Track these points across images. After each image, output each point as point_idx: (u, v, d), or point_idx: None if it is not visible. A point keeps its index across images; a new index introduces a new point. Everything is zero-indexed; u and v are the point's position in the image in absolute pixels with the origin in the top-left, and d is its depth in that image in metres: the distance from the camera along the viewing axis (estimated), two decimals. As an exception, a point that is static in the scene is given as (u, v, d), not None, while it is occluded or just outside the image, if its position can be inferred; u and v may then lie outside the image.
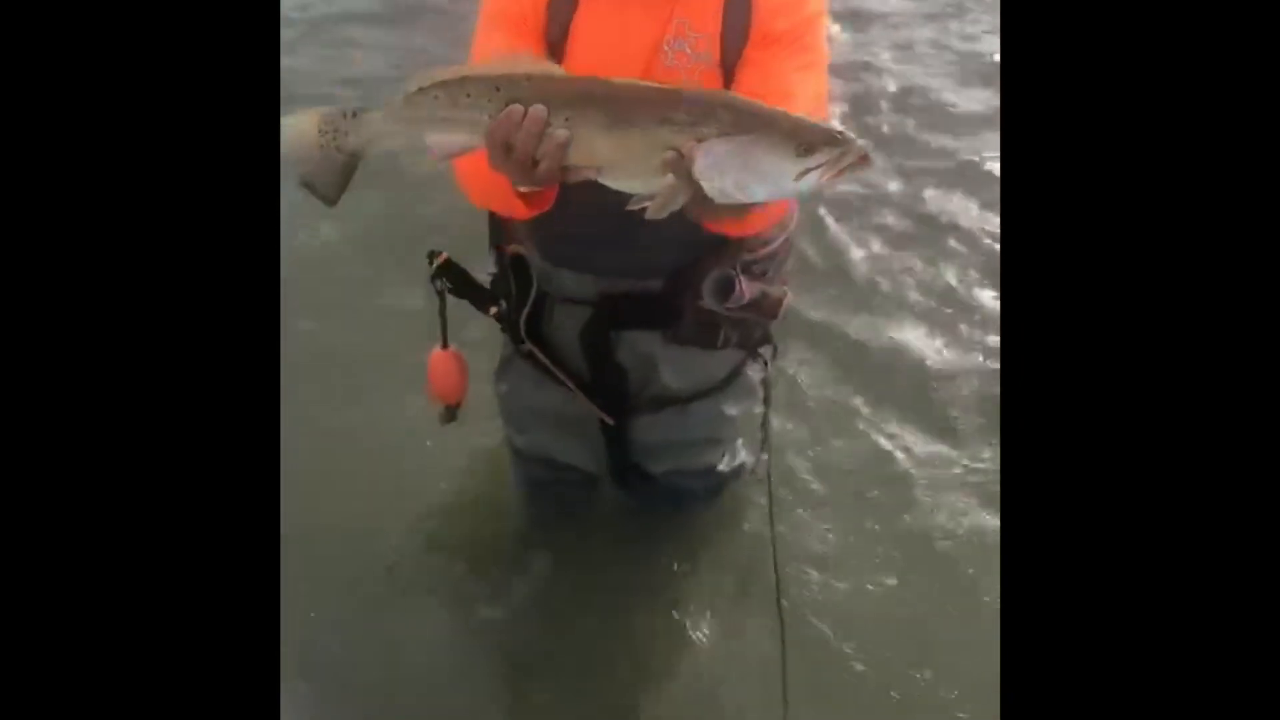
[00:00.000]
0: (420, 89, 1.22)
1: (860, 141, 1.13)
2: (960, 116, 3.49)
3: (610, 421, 1.68)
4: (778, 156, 1.13)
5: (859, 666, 1.76)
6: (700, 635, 1.81)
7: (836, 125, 1.18)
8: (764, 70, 1.29)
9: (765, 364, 1.73)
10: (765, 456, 1.89)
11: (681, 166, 1.14)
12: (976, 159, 3.24)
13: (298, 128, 1.28)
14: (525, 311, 1.60)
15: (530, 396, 1.73)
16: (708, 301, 1.49)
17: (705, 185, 1.15)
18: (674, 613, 1.84)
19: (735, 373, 1.70)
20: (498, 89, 1.19)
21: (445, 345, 1.70)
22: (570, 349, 1.62)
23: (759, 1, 1.30)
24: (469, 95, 1.21)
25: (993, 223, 2.89)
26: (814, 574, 1.91)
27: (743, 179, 1.15)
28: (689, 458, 1.79)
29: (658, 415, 1.69)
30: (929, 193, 3.07)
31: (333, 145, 1.28)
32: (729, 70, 1.30)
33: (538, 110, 1.15)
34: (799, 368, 2.37)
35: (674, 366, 1.63)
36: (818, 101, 1.32)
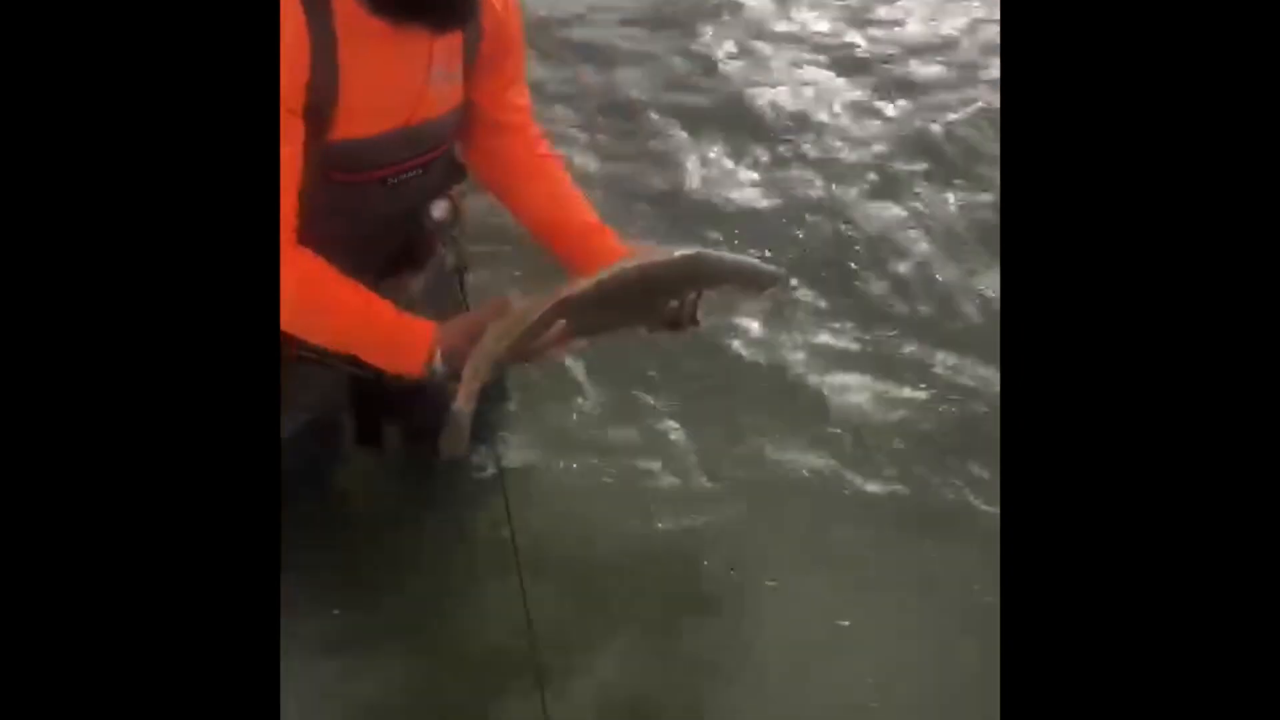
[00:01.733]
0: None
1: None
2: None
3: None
4: (749, 298, 1.64)
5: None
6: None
7: (769, 266, 1.69)
8: (497, 76, 1.63)
9: None
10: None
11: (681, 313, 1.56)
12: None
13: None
14: None
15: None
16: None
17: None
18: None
19: None
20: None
21: None
22: None
23: (485, 32, 1.56)
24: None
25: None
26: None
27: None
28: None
29: None
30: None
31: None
32: (469, 80, 1.60)
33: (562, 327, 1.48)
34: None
35: None
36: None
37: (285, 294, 1.18)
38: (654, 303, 1.55)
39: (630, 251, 1.60)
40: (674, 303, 1.54)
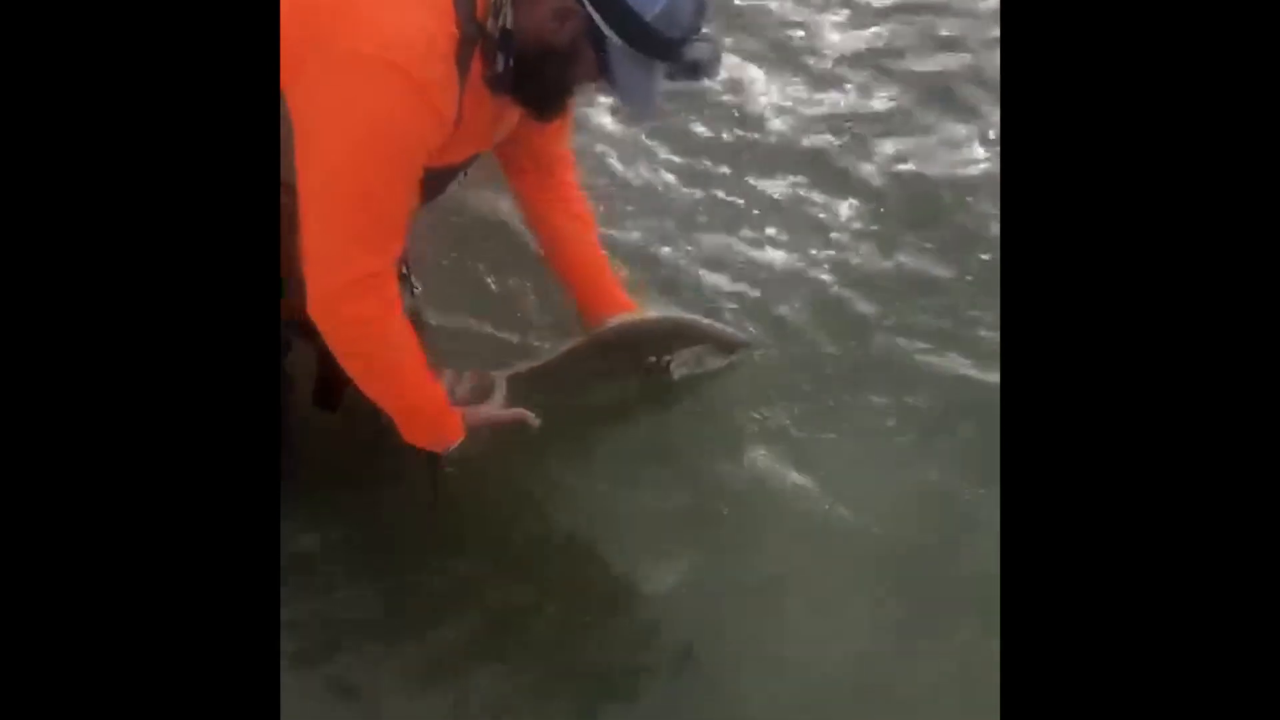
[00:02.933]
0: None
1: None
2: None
3: None
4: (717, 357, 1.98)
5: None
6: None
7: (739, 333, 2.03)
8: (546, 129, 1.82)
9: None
10: None
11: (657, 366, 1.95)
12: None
13: None
14: None
15: None
16: None
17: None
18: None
19: None
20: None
21: None
22: None
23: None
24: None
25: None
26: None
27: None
28: None
29: None
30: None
31: None
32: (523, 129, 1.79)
33: None
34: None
35: None
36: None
37: (365, 344, 1.57)
38: (638, 356, 1.93)
39: (628, 306, 1.90)
40: (653, 358, 1.94)
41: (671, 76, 1.58)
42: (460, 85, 1.52)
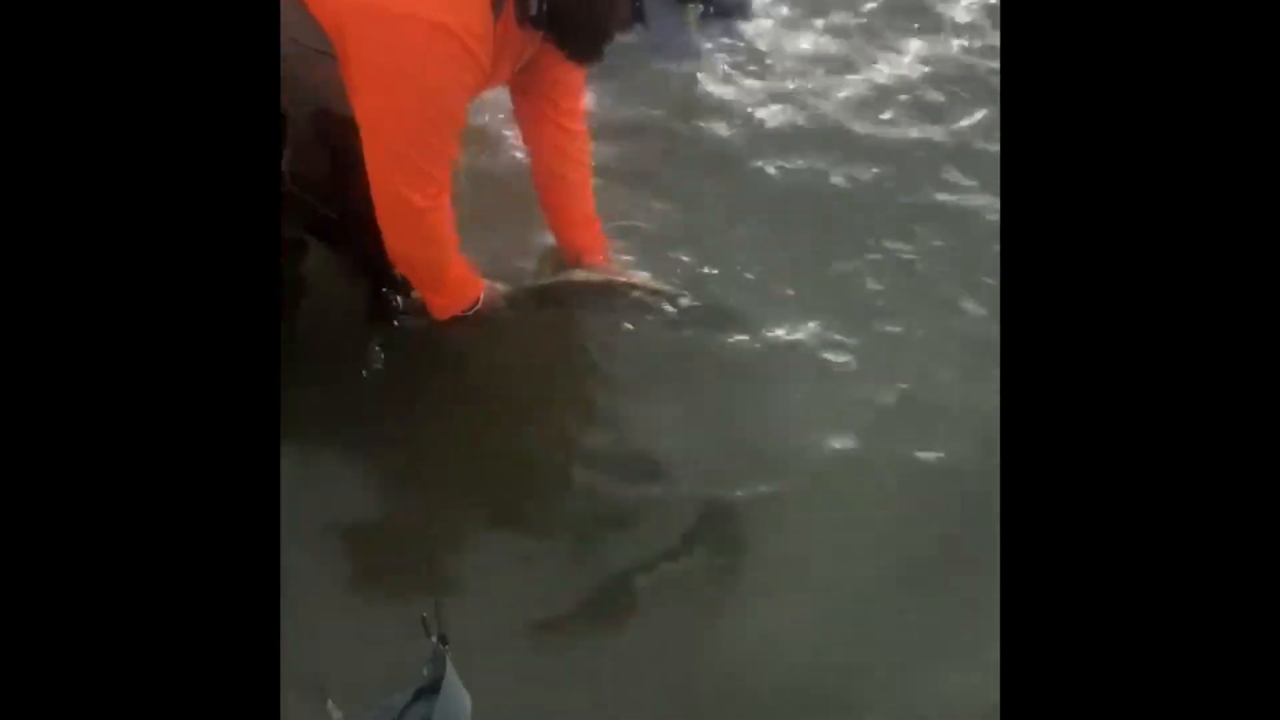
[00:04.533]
0: None
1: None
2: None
3: None
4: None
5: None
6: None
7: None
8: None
9: None
10: None
11: None
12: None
13: None
14: None
15: None
16: None
17: None
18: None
19: None
20: None
21: None
22: None
23: None
24: None
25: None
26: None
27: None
28: None
29: None
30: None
31: None
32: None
33: None
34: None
35: None
36: None
37: (429, 248, 1.87)
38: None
39: (600, 247, 2.14)
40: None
41: (706, 17, 1.65)
42: (494, 24, 1.64)
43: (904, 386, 2.04)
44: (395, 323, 2.05)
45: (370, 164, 1.74)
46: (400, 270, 1.96)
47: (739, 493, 1.87)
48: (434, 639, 1.15)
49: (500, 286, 2.07)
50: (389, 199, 1.78)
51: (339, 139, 1.77)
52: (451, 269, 1.96)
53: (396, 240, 1.85)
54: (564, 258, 2.19)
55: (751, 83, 2.65)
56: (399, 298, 2.06)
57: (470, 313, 2.01)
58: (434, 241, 1.88)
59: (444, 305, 1.99)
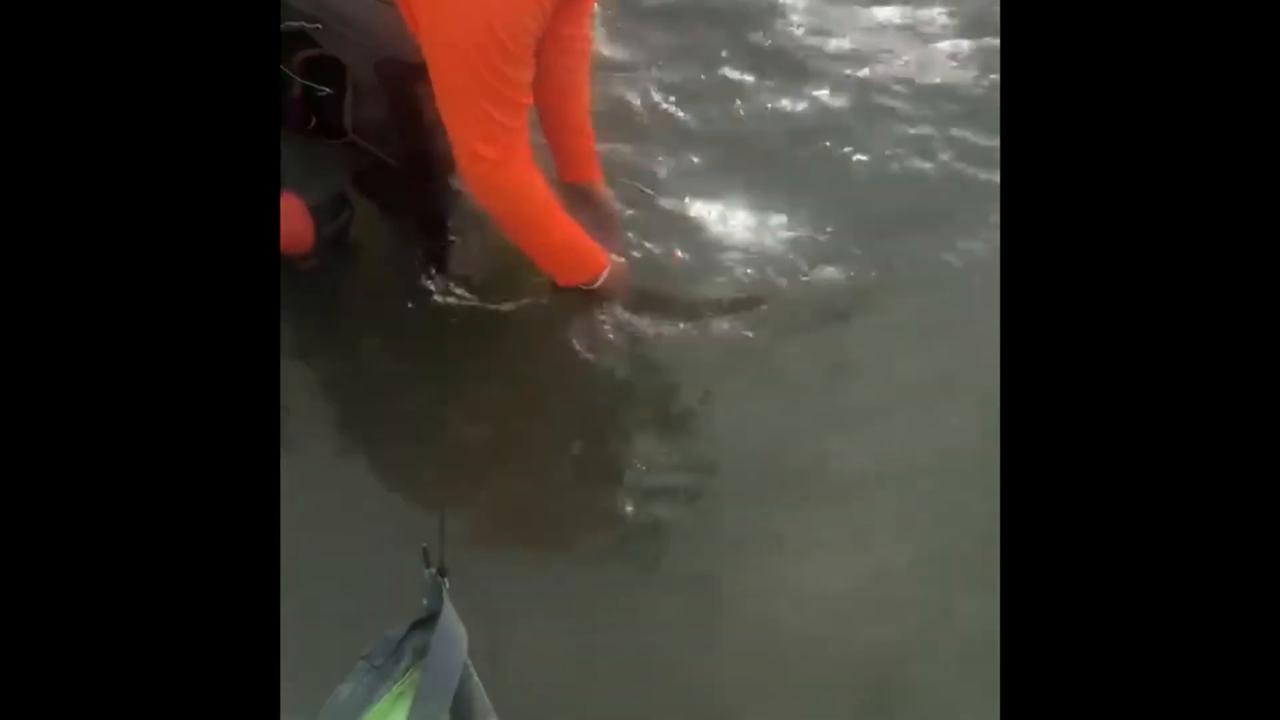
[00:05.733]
0: None
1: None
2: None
3: None
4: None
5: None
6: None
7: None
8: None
9: None
10: None
11: None
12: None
13: None
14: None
15: None
16: None
17: None
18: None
19: None
20: None
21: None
22: None
23: None
24: None
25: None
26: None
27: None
28: None
29: None
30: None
31: None
32: None
33: None
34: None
35: None
36: None
37: (518, 203, 1.85)
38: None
39: (591, 158, 2.15)
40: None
41: None
42: None
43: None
44: (434, 294, 2.07)
45: (445, 120, 1.76)
46: (511, 240, 1.94)
47: (767, 490, 1.88)
48: (433, 570, 1.15)
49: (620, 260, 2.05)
50: (466, 157, 1.79)
51: (401, 86, 1.81)
52: (554, 233, 1.93)
53: (484, 199, 1.86)
54: (556, 165, 2.16)
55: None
56: (434, 270, 2.08)
57: (593, 286, 1.99)
58: (521, 196, 1.86)
59: (558, 273, 2.00)
